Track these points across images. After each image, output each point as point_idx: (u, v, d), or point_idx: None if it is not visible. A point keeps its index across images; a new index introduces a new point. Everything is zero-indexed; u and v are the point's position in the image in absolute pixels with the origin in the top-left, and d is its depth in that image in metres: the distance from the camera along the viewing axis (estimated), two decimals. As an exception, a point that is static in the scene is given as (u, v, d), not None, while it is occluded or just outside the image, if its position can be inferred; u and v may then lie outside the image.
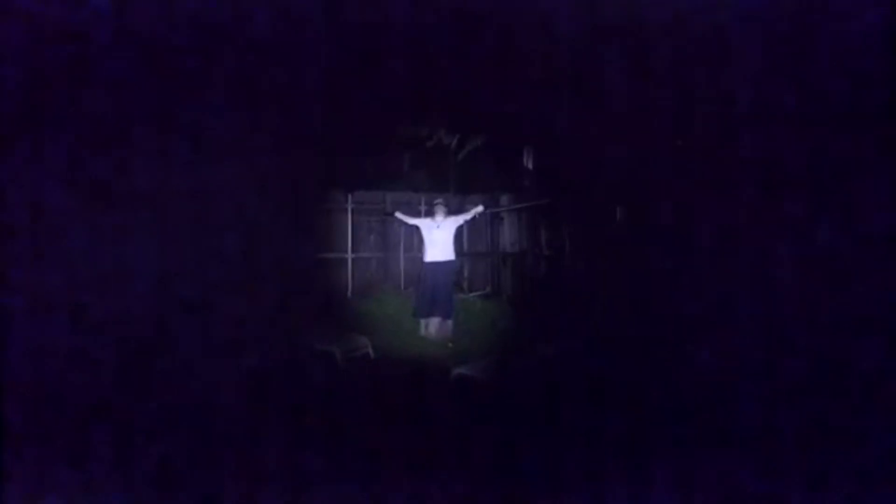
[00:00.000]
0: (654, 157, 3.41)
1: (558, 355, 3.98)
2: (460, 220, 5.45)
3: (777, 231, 2.65)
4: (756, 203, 2.75)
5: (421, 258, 5.51)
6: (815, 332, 2.55)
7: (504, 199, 7.04)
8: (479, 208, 5.53)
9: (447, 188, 6.72)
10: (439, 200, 5.52)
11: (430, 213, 5.61)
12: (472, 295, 6.65)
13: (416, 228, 5.64)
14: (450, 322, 5.27)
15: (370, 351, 4.47)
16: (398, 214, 5.72)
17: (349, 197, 6.67)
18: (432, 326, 5.26)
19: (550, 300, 5.53)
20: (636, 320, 3.66)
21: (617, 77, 3.35)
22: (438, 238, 5.31)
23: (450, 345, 4.95)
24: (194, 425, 2.49)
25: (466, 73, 3.91)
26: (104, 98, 2.54)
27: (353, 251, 6.65)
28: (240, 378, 2.88)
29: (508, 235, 7.05)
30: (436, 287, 5.26)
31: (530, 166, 6.32)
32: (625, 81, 3.35)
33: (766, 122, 2.71)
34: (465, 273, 7.17)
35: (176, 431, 2.45)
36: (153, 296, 2.60)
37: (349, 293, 6.53)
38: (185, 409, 2.50)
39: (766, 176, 2.71)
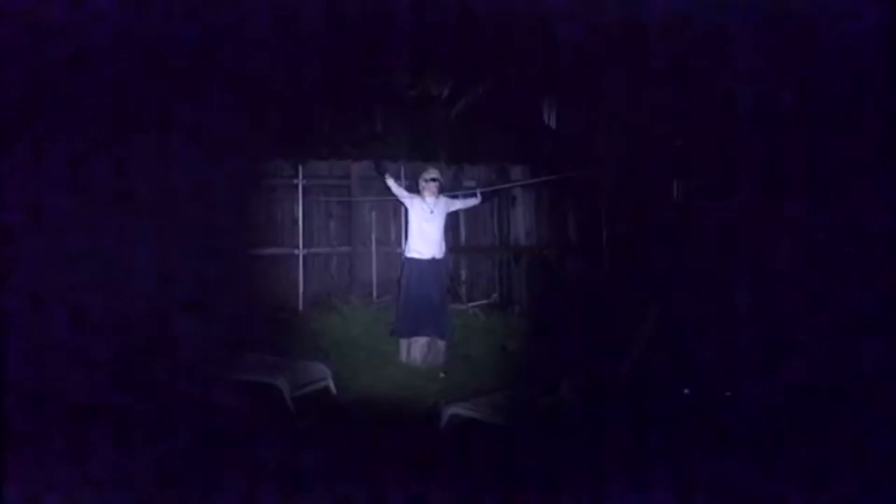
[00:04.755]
0: (729, 113, 3.40)
1: (590, 390, 3.89)
2: (451, 206, 5.34)
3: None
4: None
5: (402, 254, 5.39)
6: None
7: (517, 172, 6.96)
8: (476, 199, 5.48)
9: (436, 156, 6.49)
10: (433, 175, 5.19)
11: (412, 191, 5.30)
12: (472, 306, 6.52)
13: (404, 210, 5.46)
14: (442, 343, 5.14)
15: (330, 384, 4.41)
16: (391, 181, 5.30)
17: (299, 168, 6.55)
18: (417, 350, 5.13)
19: (580, 313, 5.46)
20: (699, 342, 3.66)
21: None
22: (429, 227, 5.17)
23: (442, 374, 4.89)
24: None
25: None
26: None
27: (305, 245, 6.52)
28: (147, 423, 2.91)
29: (522, 223, 6.96)
30: (423, 295, 5.10)
31: (553, 125, 6.26)
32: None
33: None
34: (464, 276, 7.07)
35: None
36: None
37: (300, 304, 6.39)
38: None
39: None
